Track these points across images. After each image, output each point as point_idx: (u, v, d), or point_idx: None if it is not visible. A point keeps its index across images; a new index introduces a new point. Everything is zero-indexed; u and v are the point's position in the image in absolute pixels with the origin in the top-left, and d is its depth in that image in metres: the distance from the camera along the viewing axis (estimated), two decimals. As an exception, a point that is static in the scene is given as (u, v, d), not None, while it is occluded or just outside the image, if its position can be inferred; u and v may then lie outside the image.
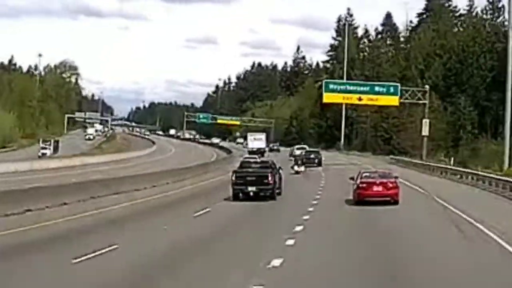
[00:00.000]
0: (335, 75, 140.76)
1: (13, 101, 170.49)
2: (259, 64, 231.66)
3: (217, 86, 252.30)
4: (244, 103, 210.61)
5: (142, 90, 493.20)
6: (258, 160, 52.40)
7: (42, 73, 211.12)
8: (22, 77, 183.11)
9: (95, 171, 63.54)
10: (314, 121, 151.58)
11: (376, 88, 78.85)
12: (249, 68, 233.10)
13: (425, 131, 78.64)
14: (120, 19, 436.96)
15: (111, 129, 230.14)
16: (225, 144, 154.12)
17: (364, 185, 33.67)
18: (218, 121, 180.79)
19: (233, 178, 36.92)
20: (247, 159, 56.17)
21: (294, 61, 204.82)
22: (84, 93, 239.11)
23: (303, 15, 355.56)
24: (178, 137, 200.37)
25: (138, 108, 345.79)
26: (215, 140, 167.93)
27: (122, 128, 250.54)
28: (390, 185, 33.61)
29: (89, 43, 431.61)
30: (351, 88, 79.32)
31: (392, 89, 79.11)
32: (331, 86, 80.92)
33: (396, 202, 33.02)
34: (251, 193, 36.21)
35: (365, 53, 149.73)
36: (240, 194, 36.51)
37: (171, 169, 60.12)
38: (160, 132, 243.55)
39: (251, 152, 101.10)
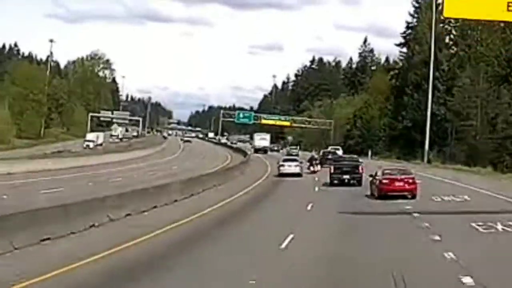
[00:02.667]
0: (412, 62, 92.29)
1: (12, 94, 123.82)
2: (320, 60, 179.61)
3: (275, 86, 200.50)
4: (302, 102, 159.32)
5: (208, 96, 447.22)
6: (347, 156, 55.03)
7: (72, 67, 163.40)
8: (26, 66, 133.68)
9: None
10: (385, 120, 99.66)
11: None
12: (308, 64, 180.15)
13: None
14: (185, 24, 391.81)
15: (148, 132, 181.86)
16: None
17: (387, 181, 33.52)
18: (263, 121, 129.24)
19: (332, 169, 43.36)
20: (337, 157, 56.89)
21: (360, 54, 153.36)
22: (138, 96, 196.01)
23: (369, 21, 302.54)
24: (212, 140, 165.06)
25: (197, 112, 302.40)
26: (223, 140, 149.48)
27: (168, 132, 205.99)
28: (410, 181, 33.48)
29: (154, 48, 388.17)
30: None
31: None
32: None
33: (414, 196, 32.68)
34: (346, 180, 42.16)
35: (451, 35, 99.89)
36: (336, 181, 42.45)
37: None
38: (200, 135, 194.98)
39: (257, 149, 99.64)
